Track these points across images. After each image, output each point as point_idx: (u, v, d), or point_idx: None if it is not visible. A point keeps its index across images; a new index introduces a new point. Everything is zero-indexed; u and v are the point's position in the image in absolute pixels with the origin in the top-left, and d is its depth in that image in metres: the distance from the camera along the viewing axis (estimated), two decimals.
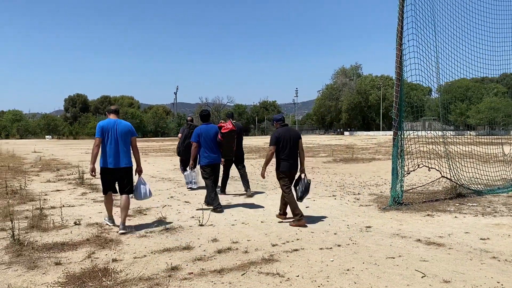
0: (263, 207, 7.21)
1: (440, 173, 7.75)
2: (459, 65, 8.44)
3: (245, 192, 8.46)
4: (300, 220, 5.77)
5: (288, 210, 6.17)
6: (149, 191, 5.94)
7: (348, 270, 3.96)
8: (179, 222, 6.09)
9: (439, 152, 8.13)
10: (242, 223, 6.01)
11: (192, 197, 8.27)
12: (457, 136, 11.45)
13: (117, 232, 5.47)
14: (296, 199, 6.07)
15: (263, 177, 6.09)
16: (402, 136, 7.17)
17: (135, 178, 5.86)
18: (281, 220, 6.12)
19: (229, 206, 7.29)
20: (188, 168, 7.50)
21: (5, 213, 6.45)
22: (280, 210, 6.25)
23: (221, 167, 7.84)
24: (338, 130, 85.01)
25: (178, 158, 10.26)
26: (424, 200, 7.42)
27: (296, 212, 5.82)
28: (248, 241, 5.00)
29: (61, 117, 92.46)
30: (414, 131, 7.92)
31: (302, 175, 6.09)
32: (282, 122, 6.16)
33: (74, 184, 10.37)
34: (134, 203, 7.06)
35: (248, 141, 41.84)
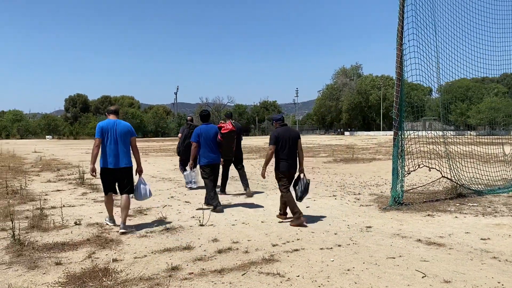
0: (263, 207, 7.21)
1: (441, 173, 7.75)
2: (459, 65, 8.44)
3: (244, 192, 8.47)
4: (299, 218, 5.78)
5: (289, 210, 6.18)
6: (149, 191, 5.95)
7: (348, 270, 3.96)
8: (180, 222, 6.09)
9: (440, 152, 8.13)
10: (243, 223, 6.01)
11: (192, 197, 8.27)
12: (457, 136, 11.45)
13: (118, 231, 5.48)
14: (295, 199, 6.08)
15: (264, 177, 6.10)
16: (403, 136, 7.17)
17: (136, 178, 5.88)
18: (281, 220, 6.12)
19: (229, 206, 7.29)
20: (187, 168, 7.51)
21: (6, 213, 6.45)
22: (280, 210, 6.25)
23: (220, 167, 7.86)
24: (339, 130, 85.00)
25: (178, 158, 10.27)
26: (424, 200, 7.42)
27: (295, 211, 5.84)
28: (249, 241, 5.00)
29: (62, 117, 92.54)
30: (415, 131, 7.92)
31: (301, 175, 6.11)
32: (281, 121, 6.18)
33: (74, 184, 10.37)
34: (134, 203, 7.06)
35: (249, 141, 41.84)
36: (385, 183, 9.76)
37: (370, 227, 5.66)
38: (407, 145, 7.30)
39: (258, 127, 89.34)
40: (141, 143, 40.36)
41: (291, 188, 6.20)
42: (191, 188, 9.11)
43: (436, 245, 4.73)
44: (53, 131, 78.05)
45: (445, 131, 9.32)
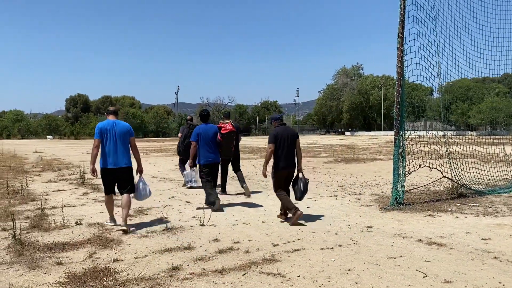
0: (264, 207, 7.21)
1: (442, 173, 7.74)
2: (460, 65, 8.43)
3: (242, 188, 8.50)
4: (296, 212, 5.81)
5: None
6: (149, 191, 6.01)
7: (349, 270, 3.96)
8: (180, 222, 6.09)
9: (441, 152, 8.12)
10: (243, 223, 6.02)
11: (193, 197, 8.28)
12: (458, 136, 11.44)
13: (119, 229, 5.51)
14: (295, 198, 6.15)
15: (265, 176, 6.12)
16: (404, 136, 7.16)
17: (136, 178, 5.90)
18: (282, 220, 6.13)
19: (230, 206, 7.29)
20: (187, 167, 7.55)
21: (7, 213, 6.46)
22: (281, 210, 6.27)
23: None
24: (339, 130, 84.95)
25: (178, 158, 10.29)
26: (425, 200, 7.41)
27: (290, 207, 5.89)
28: (249, 241, 5.00)
29: (63, 117, 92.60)
30: (416, 131, 7.91)
31: (300, 174, 6.15)
32: (280, 121, 6.25)
33: (75, 184, 10.38)
34: (135, 203, 7.07)
35: (249, 141, 41.85)
36: (386, 183, 9.76)
37: (371, 227, 5.66)
38: (408, 145, 7.30)
39: (259, 127, 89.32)
40: (142, 143, 40.38)
41: (291, 188, 6.23)
42: (191, 187, 9.12)
43: (437, 245, 4.73)
44: (54, 131, 78.11)
45: (446, 131, 9.32)
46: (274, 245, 4.81)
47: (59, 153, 25.62)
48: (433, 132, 8.92)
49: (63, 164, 16.69)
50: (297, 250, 4.61)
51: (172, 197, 8.40)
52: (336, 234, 5.31)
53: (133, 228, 5.65)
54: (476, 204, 7.08)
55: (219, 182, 8.03)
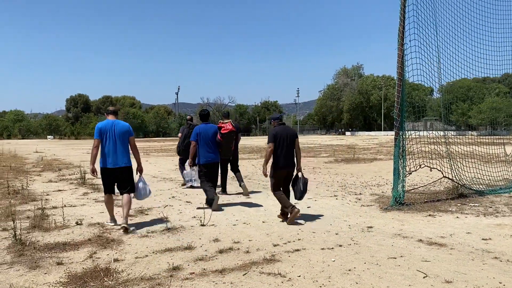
0: (264, 207, 7.21)
1: (442, 173, 7.74)
2: (460, 65, 8.43)
3: (240, 187, 8.52)
4: (293, 210, 5.84)
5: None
6: (149, 190, 6.03)
7: (349, 270, 3.95)
8: (181, 222, 6.09)
9: (441, 152, 8.12)
10: (244, 223, 6.02)
11: (193, 197, 8.28)
12: (458, 136, 11.44)
13: (120, 226, 5.53)
14: (295, 198, 6.18)
15: (265, 175, 6.14)
16: (404, 136, 7.16)
17: (136, 177, 5.92)
18: (282, 220, 6.13)
19: (230, 206, 7.29)
20: (186, 166, 7.58)
21: (7, 213, 6.47)
22: (281, 210, 6.26)
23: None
24: (340, 130, 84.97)
25: (178, 158, 10.30)
26: (425, 200, 7.41)
27: (287, 205, 5.93)
28: (250, 241, 5.00)
29: (63, 117, 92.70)
30: (416, 131, 7.91)
31: (299, 174, 6.17)
32: (279, 120, 6.29)
33: (75, 184, 10.38)
34: (135, 203, 7.07)
35: (250, 141, 41.85)
36: (386, 183, 9.76)
37: (371, 227, 5.66)
38: (408, 145, 7.30)
39: (259, 127, 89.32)
40: (142, 143, 40.40)
41: (290, 188, 6.25)
42: (191, 187, 9.12)
43: (437, 245, 4.73)
44: (55, 131, 78.18)
45: (446, 131, 9.31)
46: (275, 245, 4.81)
47: (60, 153, 25.63)
48: (434, 132, 8.91)
49: (63, 164, 16.70)
50: (298, 250, 4.61)
51: (173, 197, 8.40)
52: (336, 234, 5.31)
53: (133, 228, 5.66)
54: (476, 204, 7.08)
55: (219, 182, 8.04)
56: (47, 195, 8.66)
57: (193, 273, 3.92)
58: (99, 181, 6.34)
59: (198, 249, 4.69)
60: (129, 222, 5.82)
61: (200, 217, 6.12)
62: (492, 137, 12.01)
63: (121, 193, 5.80)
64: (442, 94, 11.01)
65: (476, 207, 6.90)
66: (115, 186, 5.81)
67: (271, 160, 6.10)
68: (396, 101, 7.13)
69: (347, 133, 79.56)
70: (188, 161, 7.29)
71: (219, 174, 7.89)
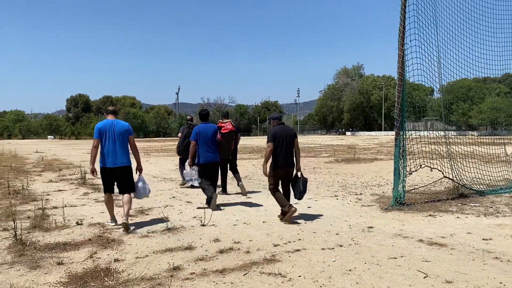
0: (264, 207, 7.21)
1: (442, 173, 7.73)
2: (461, 65, 8.42)
3: (245, 192, 8.53)
4: (290, 209, 5.91)
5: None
6: (149, 189, 6.06)
7: (350, 270, 3.95)
8: (181, 222, 6.09)
9: (441, 152, 8.11)
10: (244, 223, 6.02)
11: (194, 197, 8.28)
12: (459, 136, 11.44)
13: (121, 222, 5.54)
14: (295, 197, 6.22)
15: (266, 175, 6.16)
16: (404, 136, 7.16)
17: (135, 176, 5.93)
18: (282, 219, 6.13)
19: (230, 206, 7.29)
20: (186, 166, 7.60)
21: (8, 213, 6.48)
22: (281, 210, 6.27)
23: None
24: (340, 130, 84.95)
25: (179, 158, 10.30)
26: (426, 200, 7.41)
27: (285, 204, 5.98)
28: (250, 241, 5.00)
29: (63, 117, 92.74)
30: (416, 131, 7.91)
31: (299, 174, 6.21)
32: (278, 120, 6.33)
33: (76, 184, 10.39)
34: (136, 203, 7.08)
35: (250, 141, 41.85)
36: (387, 183, 9.75)
37: (371, 227, 5.66)
38: (409, 145, 7.29)
39: (259, 127, 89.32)
40: (142, 143, 40.41)
41: (290, 188, 6.27)
42: (192, 186, 9.13)
43: (438, 246, 4.72)
44: (55, 131, 78.22)
45: (446, 131, 9.31)
46: (275, 245, 4.81)
47: (60, 153, 25.64)
48: (434, 132, 8.90)
49: (64, 164, 16.71)
50: (298, 250, 4.61)
51: (173, 197, 8.40)
52: (337, 234, 5.31)
53: (134, 227, 5.66)
54: (477, 204, 7.08)
55: (219, 182, 8.05)
56: (48, 195, 8.67)
57: (194, 273, 3.92)
58: (99, 181, 6.36)
59: (198, 249, 4.69)
60: (130, 222, 5.82)
61: (201, 217, 6.12)
62: (492, 137, 12.00)
63: (120, 193, 5.83)
64: (442, 94, 11.01)
65: (477, 207, 6.89)
66: (115, 186, 5.82)
67: (270, 159, 6.12)
68: (396, 101, 7.13)
69: (348, 133, 79.54)
70: (188, 160, 7.31)
71: (219, 174, 7.91)
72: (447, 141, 8.43)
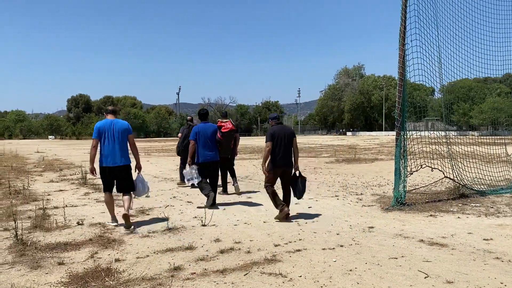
0: (265, 207, 7.21)
1: (443, 173, 7.73)
2: (462, 65, 8.42)
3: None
4: (283, 209, 6.01)
5: (290, 209, 6.26)
6: (148, 187, 6.11)
7: (350, 270, 3.95)
8: (182, 222, 6.10)
9: (442, 152, 8.11)
10: (245, 223, 6.02)
11: (194, 197, 8.28)
12: (460, 137, 11.43)
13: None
14: (295, 197, 6.27)
15: (265, 173, 6.17)
16: (405, 136, 7.15)
17: (135, 175, 5.96)
18: (284, 220, 6.14)
19: (231, 206, 7.29)
20: (187, 165, 7.62)
21: (8, 213, 6.48)
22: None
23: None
24: (341, 130, 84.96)
25: (179, 158, 10.31)
26: (427, 200, 7.40)
27: (279, 203, 6.08)
28: (251, 241, 5.00)
29: (64, 118, 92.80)
30: (417, 132, 7.91)
31: (297, 173, 6.25)
32: (277, 120, 6.39)
33: (77, 184, 10.39)
34: (136, 203, 7.08)
35: (250, 141, 41.84)
36: (388, 184, 9.75)
37: (372, 227, 5.65)
38: (410, 146, 7.29)
39: (260, 127, 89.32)
40: (143, 143, 40.41)
41: (289, 188, 6.30)
42: (193, 185, 9.14)
43: (438, 246, 4.72)
44: (56, 131, 78.30)
45: (447, 132, 9.30)
46: (276, 245, 4.81)
47: (61, 153, 25.66)
48: (435, 132, 8.89)
49: (64, 164, 16.73)
50: (299, 250, 4.61)
51: (174, 197, 8.40)
52: (337, 234, 5.31)
53: (133, 227, 5.66)
54: (478, 205, 7.07)
55: (219, 182, 8.05)
56: (48, 195, 8.67)
57: (194, 273, 3.92)
58: (100, 181, 6.38)
59: (199, 249, 4.69)
60: (131, 221, 5.82)
61: (201, 217, 6.12)
62: (493, 137, 11.99)
63: (120, 192, 5.88)
64: (443, 94, 11.00)
65: (478, 207, 6.89)
66: (114, 184, 5.86)
67: (269, 159, 6.16)
68: (397, 101, 7.13)
69: (348, 133, 79.52)
70: (188, 160, 7.33)
71: (219, 174, 7.93)
72: (448, 141, 8.42)
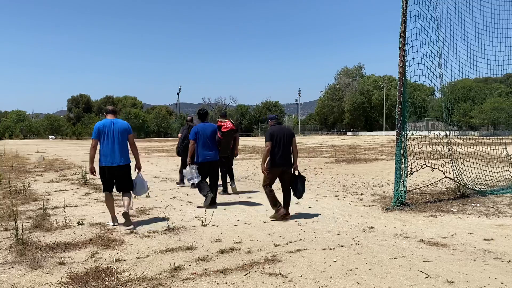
0: (265, 207, 7.20)
1: (444, 173, 7.72)
2: (462, 65, 8.41)
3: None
4: (279, 210, 6.07)
5: (290, 209, 6.29)
6: (147, 187, 6.13)
7: (351, 270, 3.95)
8: (182, 222, 6.10)
9: (443, 152, 8.11)
10: (245, 223, 6.02)
11: (195, 197, 8.27)
12: (460, 137, 11.42)
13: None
14: (295, 197, 6.28)
15: (264, 173, 6.18)
16: (405, 136, 7.15)
17: (134, 174, 5.97)
18: (284, 220, 6.14)
19: (231, 206, 7.29)
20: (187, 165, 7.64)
21: (9, 213, 6.49)
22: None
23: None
24: (341, 130, 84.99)
25: (180, 158, 10.31)
26: (427, 200, 7.40)
27: (275, 203, 6.13)
28: (251, 241, 5.00)
29: (64, 118, 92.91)
30: (417, 132, 7.90)
31: (296, 172, 6.27)
32: (276, 120, 6.42)
33: (77, 184, 10.40)
34: (137, 203, 7.08)
35: (251, 141, 41.85)
36: (388, 184, 9.75)
37: (372, 227, 5.65)
38: (410, 146, 7.29)
39: (260, 127, 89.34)
40: (143, 143, 40.41)
41: (289, 188, 6.30)
42: (193, 185, 9.14)
43: (439, 246, 4.72)
44: (56, 131, 78.37)
45: (448, 132, 9.30)
46: (276, 245, 4.81)
47: (61, 153, 25.67)
48: (435, 132, 8.89)
49: (65, 164, 16.73)
50: (299, 250, 4.61)
51: (174, 197, 8.41)
52: (338, 234, 5.31)
53: (132, 226, 5.66)
54: (478, 205, 7.07)
55: (219, 182, 8.06)
56: (49, 195, 8.68)
57: (195, 273, 3.92)
58: (100, 182, 6.39)
59: (199, 249, 4.69)
60: (130, 220, 5.83)
61: (202, 217, 6.12)
62: (493, 137, 11.99)
63: (119, 191, 5.89)
64: (443, 94, 10.99)
65: (478, 207, 6.88)
66: (114, 184, 5.86)
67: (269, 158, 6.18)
68: (397, 101, 7.12)
69: (349, 133, 79.53)
70: (187, 160, 7.34)
71: (219, 174, 7.93)
72: (448, 141, 8.42)
